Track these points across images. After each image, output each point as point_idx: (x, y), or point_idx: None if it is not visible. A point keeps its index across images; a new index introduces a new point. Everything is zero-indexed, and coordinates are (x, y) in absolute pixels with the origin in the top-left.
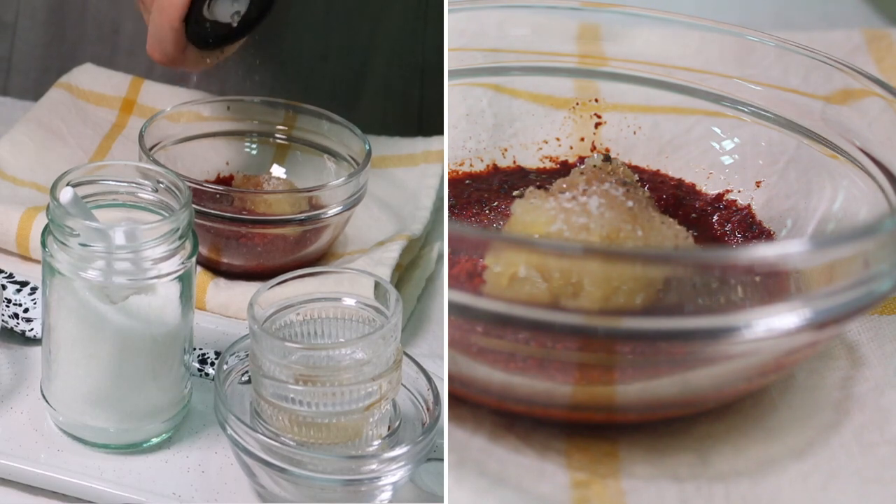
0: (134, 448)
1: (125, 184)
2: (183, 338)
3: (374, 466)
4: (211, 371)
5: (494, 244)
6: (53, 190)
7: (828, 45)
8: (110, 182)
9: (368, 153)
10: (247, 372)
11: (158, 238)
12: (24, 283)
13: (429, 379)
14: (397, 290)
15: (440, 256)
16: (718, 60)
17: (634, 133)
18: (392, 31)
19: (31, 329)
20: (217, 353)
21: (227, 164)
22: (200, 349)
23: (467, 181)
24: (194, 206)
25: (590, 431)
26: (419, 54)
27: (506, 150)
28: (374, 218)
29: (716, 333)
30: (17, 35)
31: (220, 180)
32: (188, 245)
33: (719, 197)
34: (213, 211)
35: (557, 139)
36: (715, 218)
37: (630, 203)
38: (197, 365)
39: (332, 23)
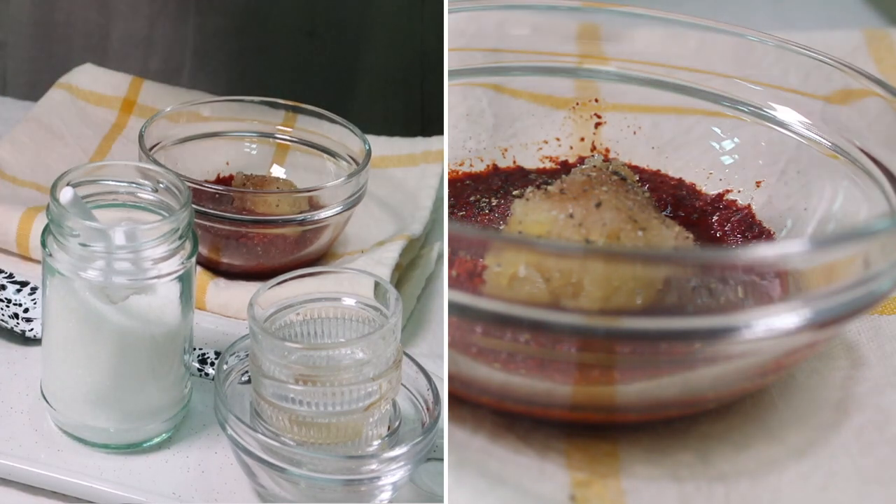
0: (134, 448)
1: (125, 184)
2: (183, 338)
3: (374, 466)
4: (211, 371)
5: (494, 244)
6: (53, 190)
7: (828, 45)
8: (110, 182)
9: (368, 153)
10: (247, 372)
11: (158, 238)
12: (24, 283)
13: (429, 379)
14: (397, 290)
15: (440, 256)
16: (718, 60)
17: (634, 133)
18: (387, 13)
19: (31, 329)
20: (217, 353)
21: (227, 164)
22: (200, 349)
23: (467, 181)
24: (194, 206)
25: (590, 431)
26: (417, 38)
27: (506, 150)
28: (374, 218)
29: (716, 333)
30: (8, 52)
31: (220, 180)
32: (188, 245)
33: (719, 197)
34: (212, 211)
35: (557, 139)
36: (715, 218)
37: (630, 203)
38: (197, 365)
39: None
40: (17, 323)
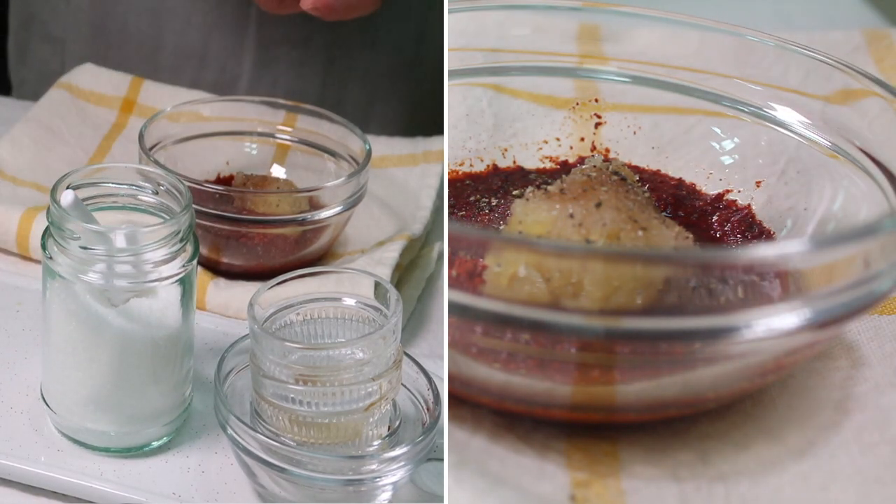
0: (134, 452)
1: (125, 186)
2: (184, 341)
3: (374, 466)
4: None
5: (494, 244)
6: (54, 192)
7: (828, 45)
8: (111, 184)
9: (368, 153)
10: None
11: (159, 241)
12: None
13: (429, 379)
14: (397, 290)
15: (440, 256)
16: (718, 60)
17: (634, 133)
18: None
19: None
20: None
21: (227, 164)
22: None
23: (467, 181)
24: (194, 206)
25: (590, 431)
26: (418, 37)
27: (506, 150)
28: (374, 218)
29: (716, 333)
30: (66, 49)
31: (220, 180)
32: (189, 248)
33: (719, 197)
34: (213, 211)
35: (557, 139)
36: (715, 218)
37: (630, 203)
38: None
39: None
40: None
